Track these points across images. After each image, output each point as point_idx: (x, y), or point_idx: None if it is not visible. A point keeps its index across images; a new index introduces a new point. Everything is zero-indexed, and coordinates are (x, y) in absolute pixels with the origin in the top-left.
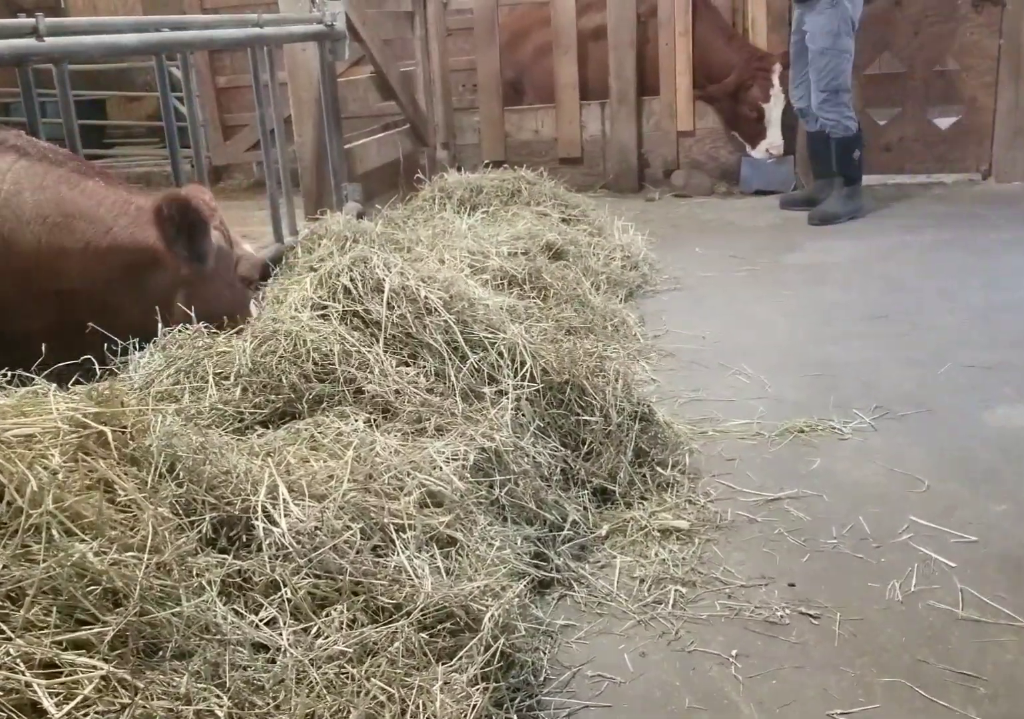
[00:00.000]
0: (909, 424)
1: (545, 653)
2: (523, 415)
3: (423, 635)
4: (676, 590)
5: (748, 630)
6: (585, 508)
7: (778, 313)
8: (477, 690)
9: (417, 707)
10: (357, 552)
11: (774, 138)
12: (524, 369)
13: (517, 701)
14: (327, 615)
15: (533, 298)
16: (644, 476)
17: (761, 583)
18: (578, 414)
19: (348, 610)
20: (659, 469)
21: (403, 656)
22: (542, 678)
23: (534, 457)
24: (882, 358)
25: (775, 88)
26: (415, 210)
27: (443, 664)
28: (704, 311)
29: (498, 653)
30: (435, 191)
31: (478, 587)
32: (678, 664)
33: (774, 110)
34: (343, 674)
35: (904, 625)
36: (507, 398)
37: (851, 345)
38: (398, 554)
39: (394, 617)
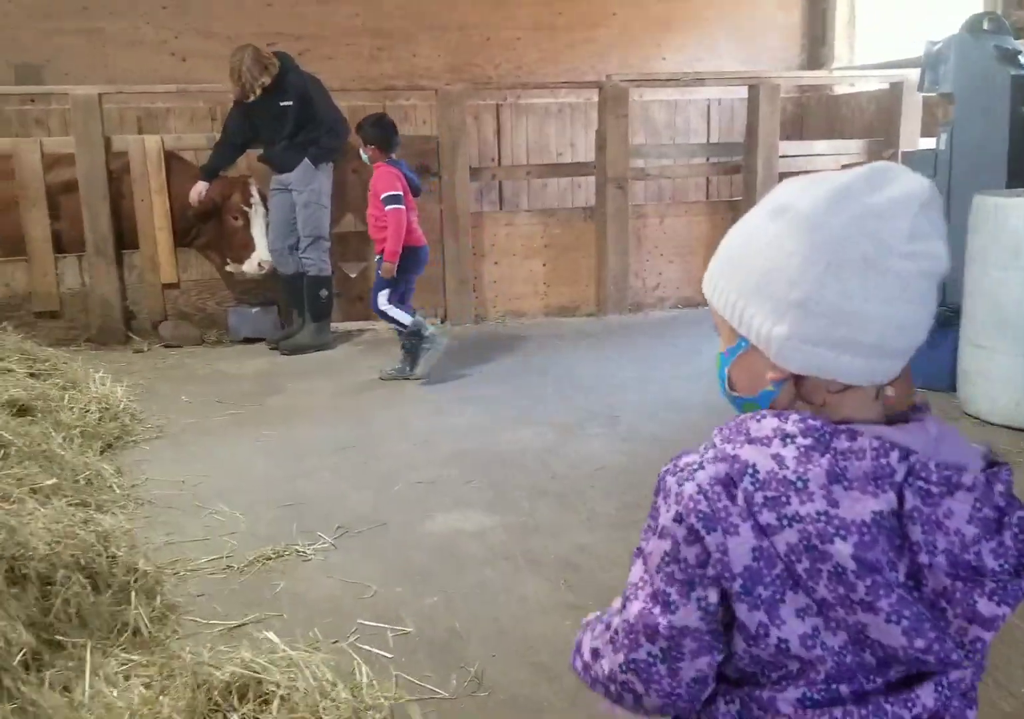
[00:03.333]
0: (365, 540)
1: None
2: None
3: None
4: None
5: None
6: None
7: (257, 453)
8: None
9: None
10: None
11: (263, 251)
12: None
13: None
14: None
15: None
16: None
17: None
18: None
19: None
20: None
21: None
22: None
23: None
24: (345, 485)
25: (255, 197)
26: None
27: None
28: (185, 457)
29: None
30: None
31: None
32: None
33: (257, 217)
34: None
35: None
36: None
37: (320, 476)
38: None
39: None
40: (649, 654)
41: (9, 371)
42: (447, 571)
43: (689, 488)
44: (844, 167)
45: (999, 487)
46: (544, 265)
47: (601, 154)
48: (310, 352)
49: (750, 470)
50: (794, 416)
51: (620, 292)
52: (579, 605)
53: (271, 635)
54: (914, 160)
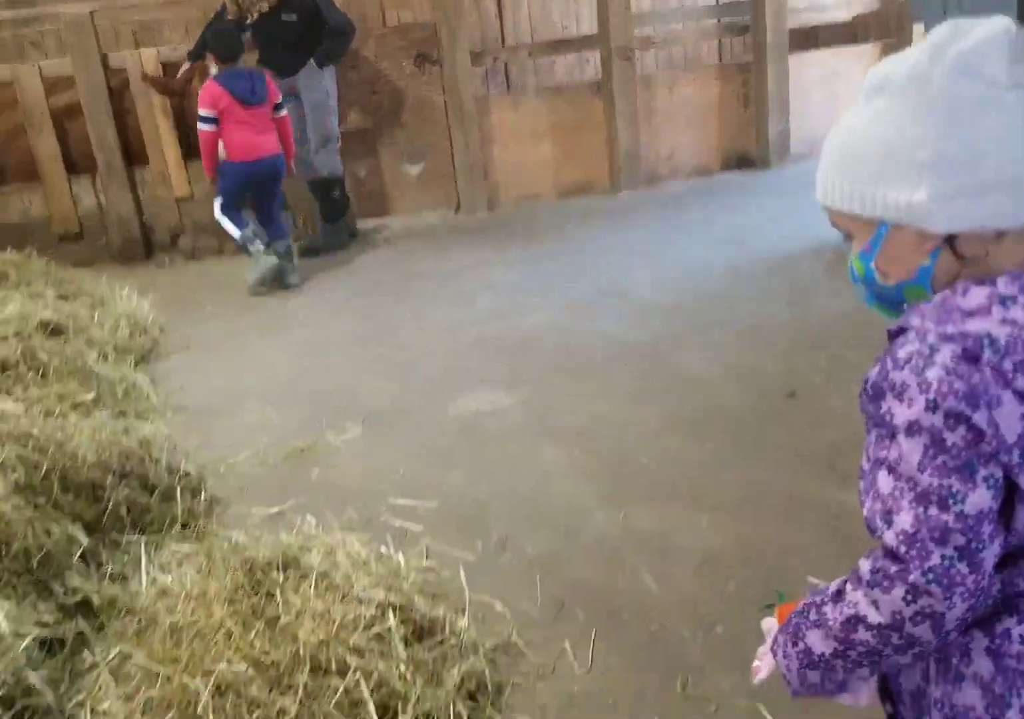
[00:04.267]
0: (391, 427)
1: None
2: None
3: None
4: None
5: None
6: None
7: (283, 353)
8: None
9: None
10: None
11: None
12: None
13: None
14: None
15: (32, 380)
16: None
17: None
18: None
19: None
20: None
21: None
22: None
23: None
24: (370, 376)
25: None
26: None
27: None
28: (215, 363)
29: None
30: None
31: None
32: None
33: None
34: None
35: None
36: None
37: (345, 370)
38: None
39: None
40: (943, 557)
41: (38, 295)
42: (470, 449)
43: (934, 373)
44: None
45: None
46: (554, 145)
47: (603, 26)
48: (325, 253)
49: (986, 341)
50: (1002, 278)
51: (632, 167)
52: (595, 470)
53: (308, 517)
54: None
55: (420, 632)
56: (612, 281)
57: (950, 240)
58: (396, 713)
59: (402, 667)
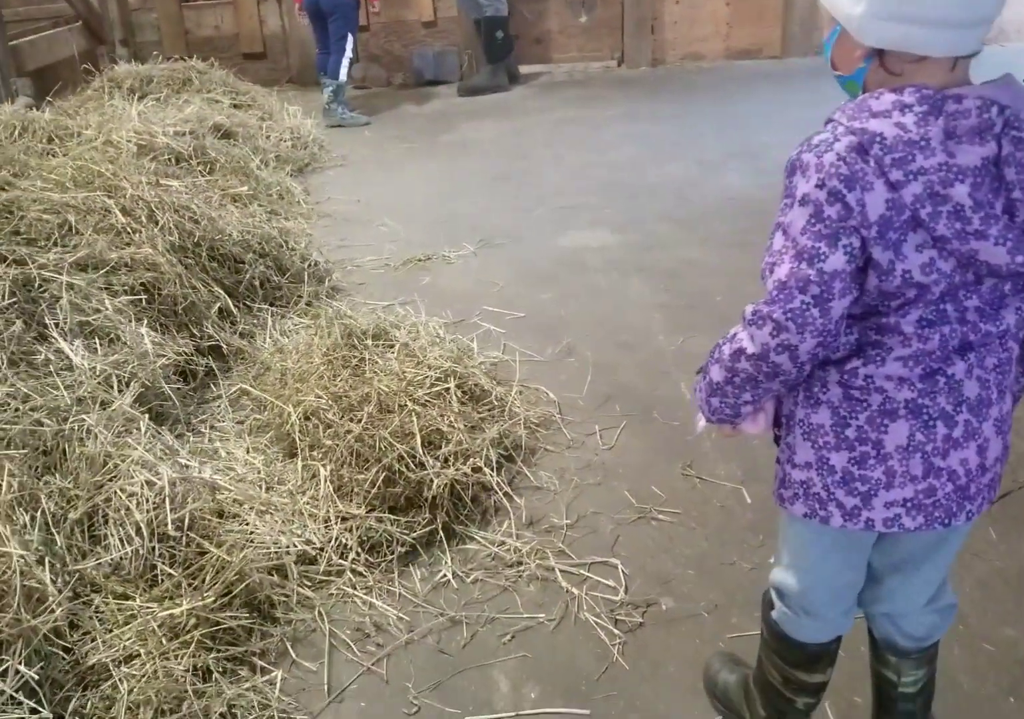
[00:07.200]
0: (501, 250)
1: None
2: None
3: None
4: None
5: None
6: None
7: (424, 180)
8: None
9: None
10: None
11: None
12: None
13: None
14: None
15: (200, 172)
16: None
17: None
18: None
19: None
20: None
21: None
22: None
23: None
24: (494, 207)
25: None
26: (86, 100)
27: None
28: (363, 181)
29: None
30: (104, 82)
31: None
32: None
33: None
34: None
35: None
36: None
37: (474, 199)
38: None
39: None
40: (803, 302)
41: (216, 101)
42: (566, 275)
43: (829, 157)
44: None
45: None
46: (728, 4)
47: None
48: (486, 93)
49: (878, 138)
50: (909, 89)
51: (806, 34)
52: (671, 303)
53: (408, 307)
54: None
55: (475, 398)
56: (752, 142)
57: (880, 53)
58: (439, 446)
59: (451, 416)
